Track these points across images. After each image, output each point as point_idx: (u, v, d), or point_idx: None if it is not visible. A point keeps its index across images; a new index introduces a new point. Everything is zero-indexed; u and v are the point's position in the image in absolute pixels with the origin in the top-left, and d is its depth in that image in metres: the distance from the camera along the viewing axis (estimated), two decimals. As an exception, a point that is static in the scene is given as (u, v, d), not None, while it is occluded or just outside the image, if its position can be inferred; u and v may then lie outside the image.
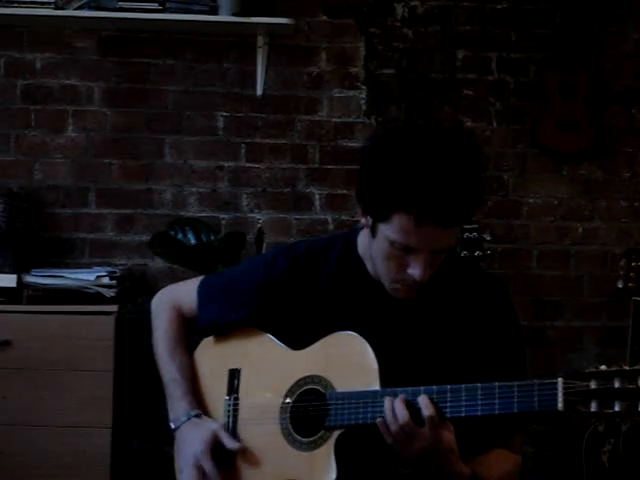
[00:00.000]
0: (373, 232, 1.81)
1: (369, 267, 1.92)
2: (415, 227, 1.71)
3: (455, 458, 1.73)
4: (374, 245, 1.82)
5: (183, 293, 2.14)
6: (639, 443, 3.48)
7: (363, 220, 1.84)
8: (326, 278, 1.96)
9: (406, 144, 1.73)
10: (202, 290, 2.10)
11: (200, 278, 2.14)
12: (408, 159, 1.70)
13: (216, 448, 1.92)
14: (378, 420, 1.71)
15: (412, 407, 1.69)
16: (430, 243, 1.75)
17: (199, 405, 2.02)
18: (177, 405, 2.01)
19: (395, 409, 1.69)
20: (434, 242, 1.75)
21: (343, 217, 3.87)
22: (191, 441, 1.94)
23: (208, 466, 1.90)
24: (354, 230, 1.99)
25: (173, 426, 1.99)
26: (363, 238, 1.94)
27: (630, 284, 3.62)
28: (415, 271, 1.77)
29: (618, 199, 3.96)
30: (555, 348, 3.93)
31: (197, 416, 1.98)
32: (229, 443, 1.92)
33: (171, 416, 2.01)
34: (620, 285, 3.66)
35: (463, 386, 1.69)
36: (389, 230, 1.75)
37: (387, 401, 1.71)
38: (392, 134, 1.80)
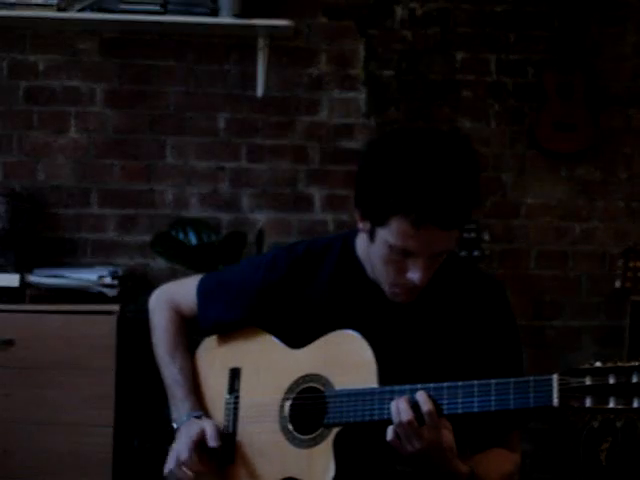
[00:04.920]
0: (372, 237, 1.81)
1: (367, 269, 1.92)
2: (413, 230, 1.71)
3: (453, 457, 1.74)
4: (373, 250, 1.83)
5: (182, 293, 2.14)
6: (637, 441, 3.49)
7: (361, 225, 1.84)
8: (325, 279, 1.96)
9: (402, 148, 1.74)
10: (202, 289, 2.10)
11: (198, 277, 2.13)
12: (404, 162, 1.71)
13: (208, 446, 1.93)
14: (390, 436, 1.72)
15: (417, 407, 1.70)
16: (429, 246, 1.75)
17: (201, 405, 2.04)
18: (180, 406, 2.02)
19: (399, 408, 1.70)
20: (433, 245, 1.75)
21: (343, 217, 3.87)
22: (181, 436, 1.95)
23: (184, 457, 1.90)
24: (353, 231, 1.99)
25: (176, 426, 2.00)
26: (362, 240, 1.93)
27: (628, 284, 3.62)
28: (414, 275, 1.77)
29: (616, 199, 3.97)
30: (553, 348, 3.94)
31: (198, 417, 1.98)
32: (210, 440, 1.90)
33: (174, 416, 2.03)
34: (618, 285, 3.65)
35: (460, 383, 1.70)
36: (387, 234, 1.75)
37: (393, 404, 1.71)
38: (388, 138, 1.81)
